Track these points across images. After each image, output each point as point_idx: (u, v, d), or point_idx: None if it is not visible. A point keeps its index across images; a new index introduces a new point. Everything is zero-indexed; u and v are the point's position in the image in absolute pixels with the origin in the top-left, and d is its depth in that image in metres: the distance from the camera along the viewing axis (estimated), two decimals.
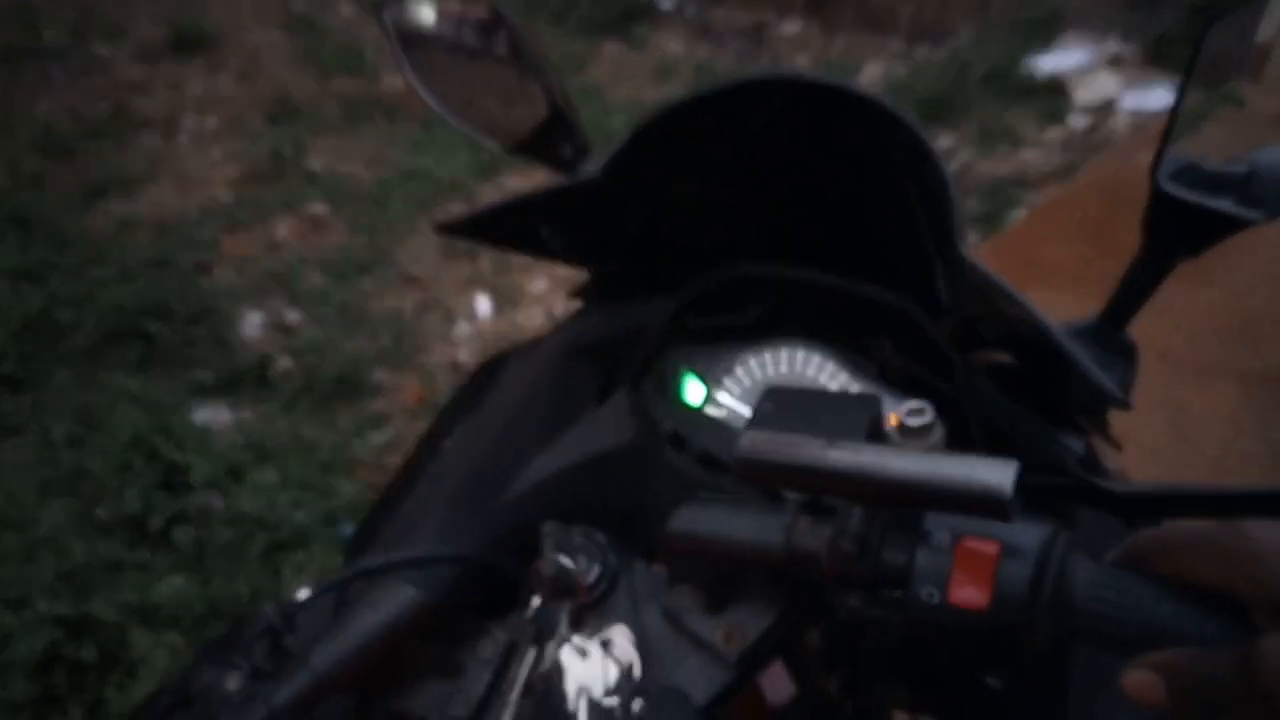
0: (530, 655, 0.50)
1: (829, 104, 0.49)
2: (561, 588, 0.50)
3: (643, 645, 0.49)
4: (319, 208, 2.79)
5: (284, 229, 2.70)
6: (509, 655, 0.51)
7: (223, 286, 2.40)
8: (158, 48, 3.67)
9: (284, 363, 2.13)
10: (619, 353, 0.61)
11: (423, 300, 2.42)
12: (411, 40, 0.63)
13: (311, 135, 3.12)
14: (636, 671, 0.48)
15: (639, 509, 0.53)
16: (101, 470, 1.70)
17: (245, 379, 2.08)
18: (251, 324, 2.30)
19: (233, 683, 0.48)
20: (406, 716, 0.52)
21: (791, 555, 0.43)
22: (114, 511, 1.63)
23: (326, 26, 3.85)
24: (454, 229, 0.62)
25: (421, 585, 0.52)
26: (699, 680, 0.48)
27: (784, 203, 0.56)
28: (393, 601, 0.51)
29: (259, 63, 3.59)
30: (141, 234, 2.62)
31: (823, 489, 0.42)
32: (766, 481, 0.44)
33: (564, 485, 0.56)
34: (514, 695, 0.49)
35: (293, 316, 2.33)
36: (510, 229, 0.63)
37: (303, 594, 0.50)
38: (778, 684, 0.53)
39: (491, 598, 0.54)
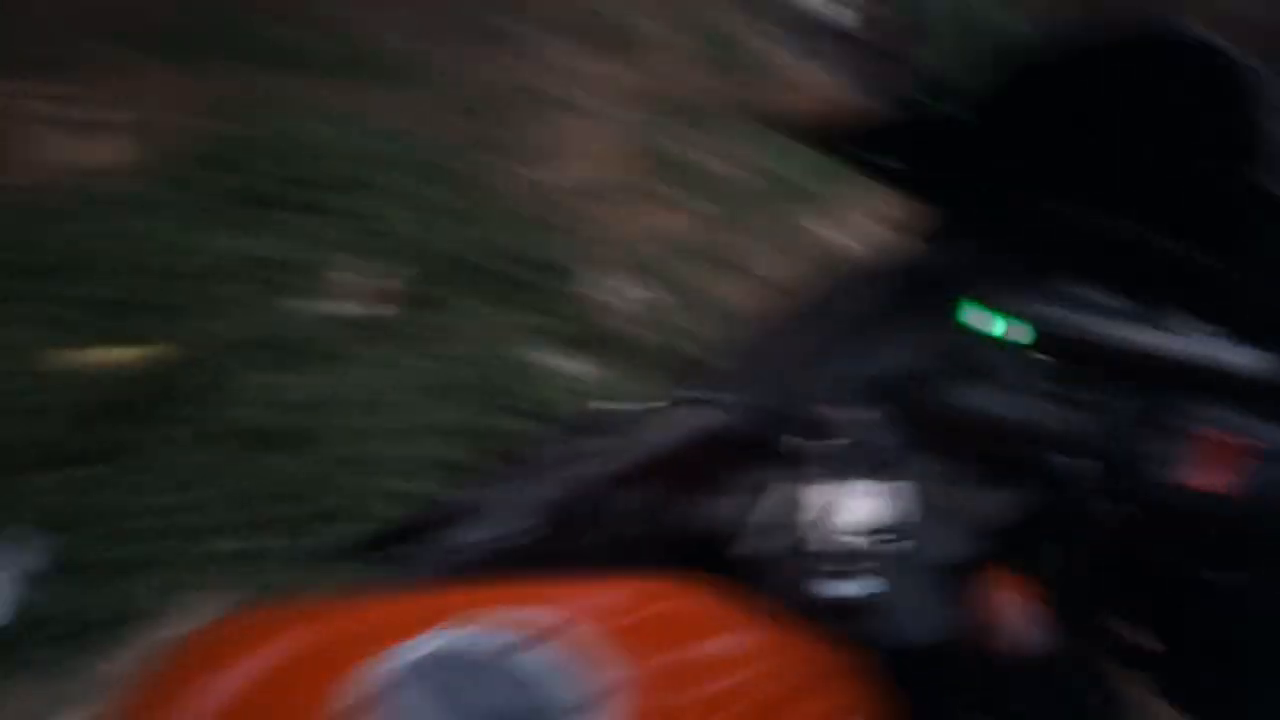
0: (810, 490, 0.57)
1: (1190, 56, 0.51)
2: (849, 439, 0.57)
3: (906, 506, 0.55)
4: (684, 198, 3.01)
5: (649, 212, 2.94)
6: (789, 488, 0.59)
7: (581, 251, 2.67)
8: (580, 37, 4.12)
9: (622, 327, 2.36)
10: (939, 282, 0.66)
11: (761, 298, 2.55)
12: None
13: (701, 132, 3.35)
14: (897, 524, 0.54)
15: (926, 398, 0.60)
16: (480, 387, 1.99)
17: (587, 337, 2.33)
18: (599, 289, 2.55)
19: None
20: (695, 521, 0.61)
21: (1055, 436, 0.48)
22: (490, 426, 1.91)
23: (731, 35, 4.11)
24: (830, 139, 0.71)
25: (725, 416, 0.61)
26: (951, 546, 0.53)
27: (1108, 150, 0.59)
28: (697, 419, 0.61)
29: (662, 60, 3.91)
30: (535, 196, 2.97)
31: (1113, 362, 0.46)
32: (1063, 354, 0.49)
33: (878, 380, 0.63)
34: (793, 518, 0.57)
35: (637, 291, 2.55)
36: (873, 148, 0.70)
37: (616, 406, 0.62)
38: (1014, 612, 0.56)
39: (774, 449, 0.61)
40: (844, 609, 0.53)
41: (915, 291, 0.69)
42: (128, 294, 2.20)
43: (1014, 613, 0.55)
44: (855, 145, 0.71)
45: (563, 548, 0.56)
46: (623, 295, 2.54)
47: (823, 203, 2.94)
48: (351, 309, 2.30)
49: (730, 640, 0.51)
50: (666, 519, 0.58)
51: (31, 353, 2.00)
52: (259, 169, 2.68)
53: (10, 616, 1.61)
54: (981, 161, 0.66)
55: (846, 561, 0.53)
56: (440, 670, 0.44)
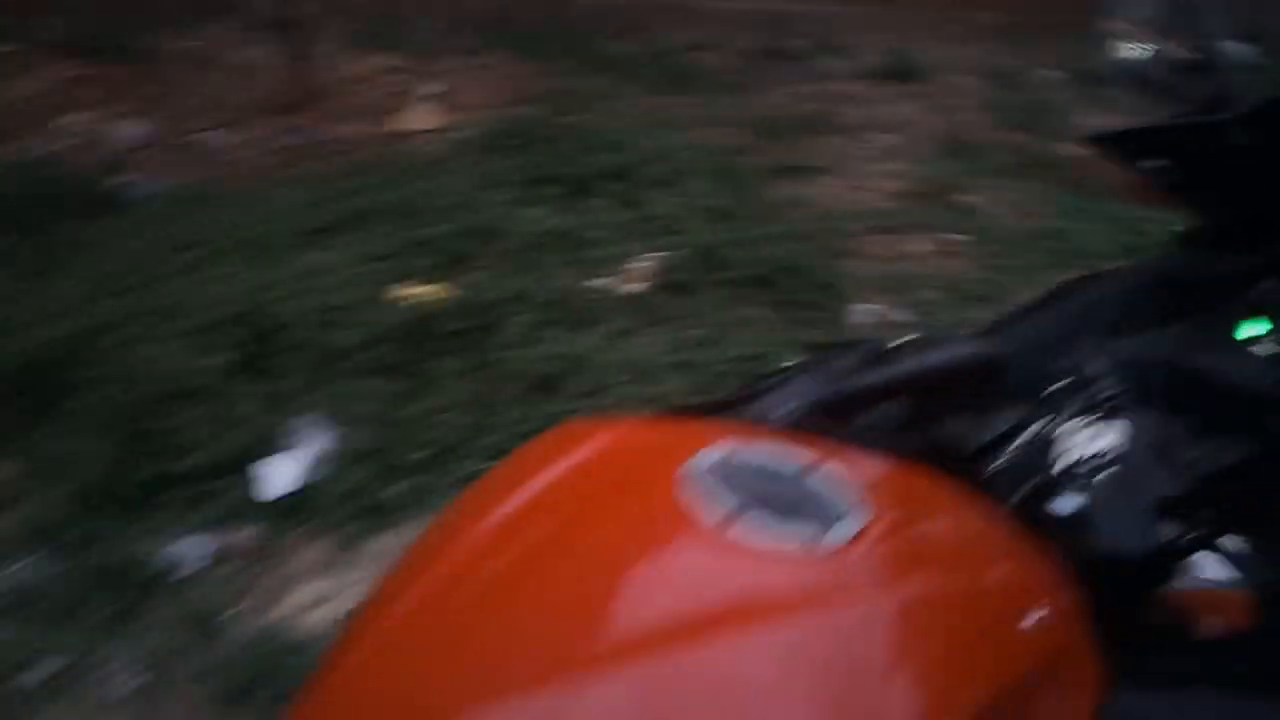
0: (1045, 422, 0.67)
1: None
2: (1082, 385, 0.67)
3: (1127, 444, 0.64)
4: (956, 237, 3.02)
5: (919, 245, 2.97)
6: (1028, 415, 0.69)
7: (848, 272, 2.76)
8: (871, 71, 4.22)
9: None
10: (1198, 290, 0.73)
11: None
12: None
13: (973, 174, 3.35)
14: (1115, 456, 0.63)
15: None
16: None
17: (830, 347, 2.41)
18: (862, 311, 2.62)
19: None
20: (944, 435, 0.71)
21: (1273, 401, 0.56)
22: None
23: (1022, 82, 4.05)
24: (1102, 139, 0.79)
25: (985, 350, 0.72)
26: (1158, 486, 0.62)
27: None
28: (957, 350, 0.72)
29: (950, 101, 3.92)
30: (802, 211, 3.10)
31: None
32: None
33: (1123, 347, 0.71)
34: (1023, 440, 0.67)
35: (900, 316, 2.60)
36: (1142, 152, 0.77)
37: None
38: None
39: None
40: (1061, 522, 0.62)
41: (1175, 293, 0.77)
42: (453, 244, 2.56)
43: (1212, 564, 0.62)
44: (1133, 153, 0.79)
45: (831, 433, 0.67)
46: (874, 315, 2.61)
47: (1082, 256, 2.86)
48: (622, 285, 2.53)
49: (964, 525, 0.61)
50: (921, 427, 0.70)
51: (371, 282, 2.38)
52: (572, 155, 3.00)
53: (303, 484, 1.95)
54: (1246, 176, 0.73)
55: (1068, 482, 0.63)
56: (739, 469, 0.56)
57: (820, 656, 0.48)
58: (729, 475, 0.56)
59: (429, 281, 2.46)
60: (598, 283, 2.52)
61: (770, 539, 0.53)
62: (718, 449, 0.58)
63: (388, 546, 1.80)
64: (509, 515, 0.58)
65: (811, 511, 0.54)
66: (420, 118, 3.49)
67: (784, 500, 0.55)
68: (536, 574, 0.54)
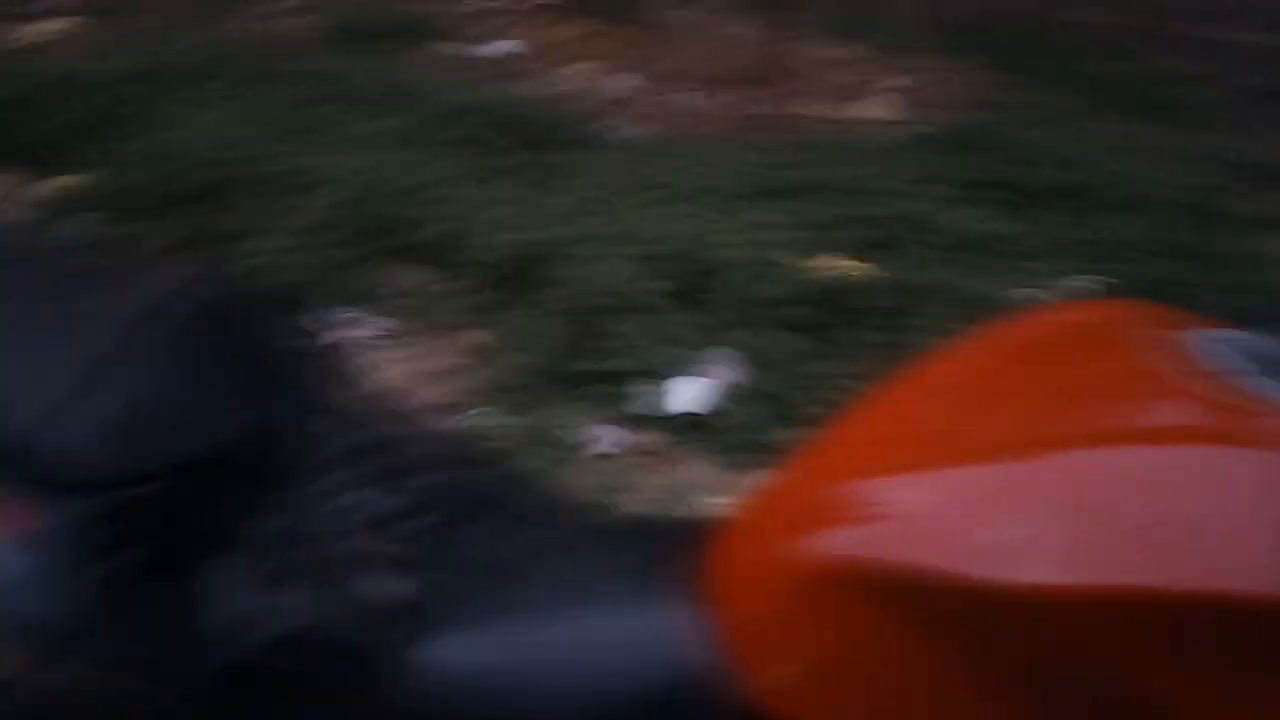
0: None
1: None
2: None
3: None
4: None
5: None
6: None
7: None
8: None
9: None
10: None
11: None
12: None
13: None
14: None
15: None
16: None
17: None
18: None
19: None
20: None
21: None
22: None
23: None
24: None
25: None
26: None
27: None
28: None
29: None
30: None
31: None
32: None
33: None
34: None
35: None
36: None
37: None
38: None
39: None
40: None
41: None
42: (884, 227, 2.64)
43: None
44: None
45: None
46: None
47: None
48: (1049, 300, 2.45)
49: None
50: None
51: (801, 246, 2.54)
52: (1024, 165, 2.94)
53: (706, 408, 2.15)
54: None
55: None
56: (1240, 342, 0.58)
57: None
58: (1232, 344, 0.57)
59: (854, 257, 2.56)
60: (1023, 293, 2.46)
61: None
62: (1214, 330, 0.60)
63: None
64: (985, 356, 0.65)
65: None
66: (877, 107, 3.58)
67: None
68: (1014, 390, 0.60)
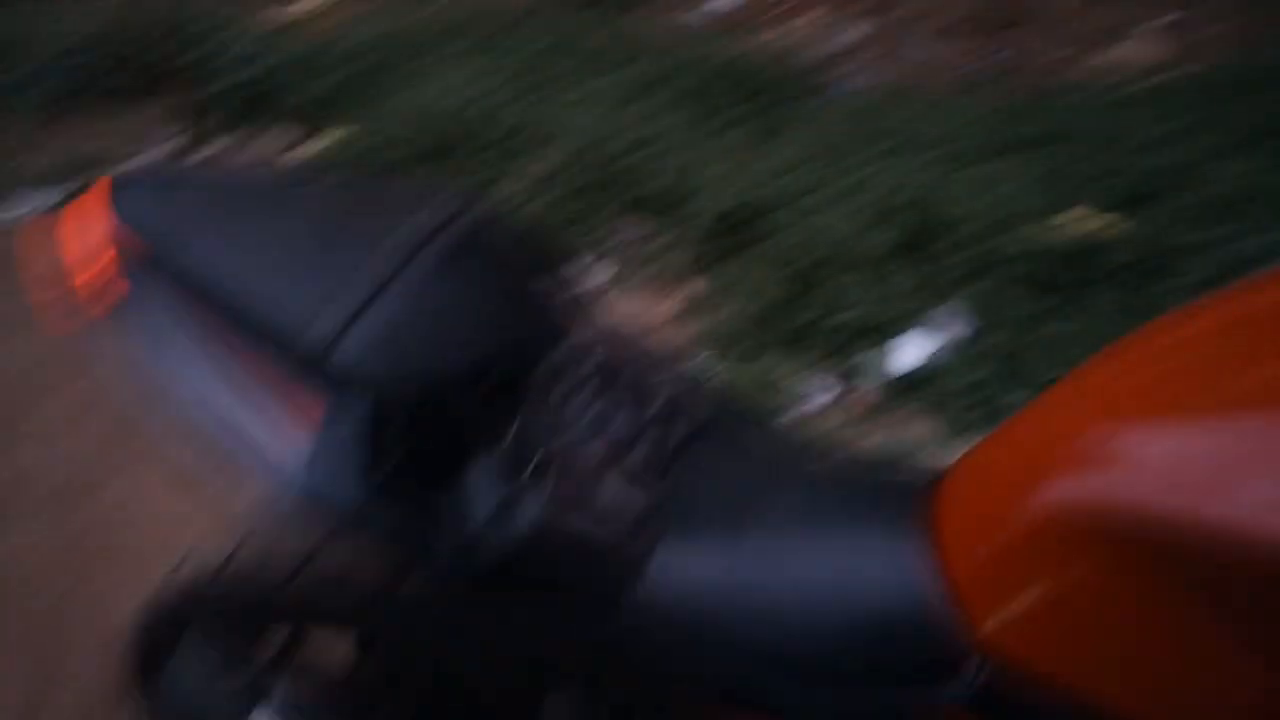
0: None
1: None
2: None
3: None
4: None
5: None
6: None
7: None
8: None
9: None
10: None
11: None
12: None
13: None
14: None
15: None
16: None
17: None
18: None
19: None
20: None
21: None
22: None
23: None
24: None
25: None
26: None
27: None
28: None
29: None
30: None
31: None
32: None
33: None
34: None
35: None
36: None
37: None
38: None
39: None
40: None
41: None
42: (1139, 181, 2.42)
43: None
44: None
45: None
46: None
47: None
48: None
49: None
50: None
51: (1043, 201, 2.38)
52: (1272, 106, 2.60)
53: (929, 366, 2.06)
54: None
55: None
56: None
57: None
58: None
59: (1105, 213, 2.37)
60: None
61: None
62: None
63: None
64: None
65: None
66: (1136, 50, 3.28)
67: None
68: None
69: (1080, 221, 2.34)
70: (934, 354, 2.09)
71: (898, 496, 0.67)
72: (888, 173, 2.57)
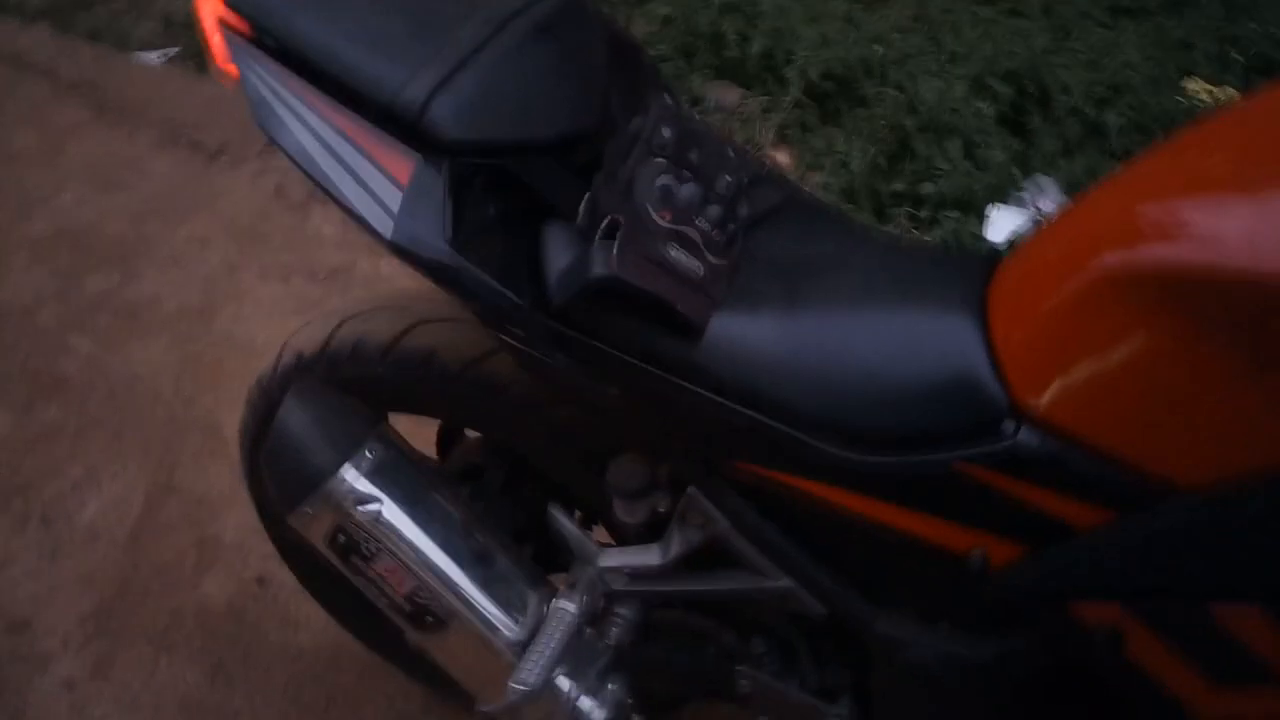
0: None
1: None
2: None
3: None
4: None
5: None
6: None
7: None
8: None
9: None
10: None
11: None
12: None
13: None
14: None
15: None
16: None
17: None
18: None
19: None
20: None
21: None
22: None
23: None
24: None
25: None
26: None
27: None
28: None
29: None
30: None
31: None
32: None
33: None
34: None
35: None
36: None
37: None
38: None
39: None
40: None
41: None
42: (1269, 49, 2.28)
43: None
44: None
45: None
46: None
47: None
48: None
49: None
50: None
51: (1160, 71, 2.27)
52: None
53: (1014, 237, 2.02)
54: None
55: None
56: None
57: None
58: None
59: (1223, 84, 2.25)
60: None
61: None
62: None
63: None
64: None
65: None
66: None
67: None
68: None
69: (1201, 92, 2.23)
70: (1023, 227, 2.05)
71: (953, 277, 0.69)
72: (995, 39, 2.48)
